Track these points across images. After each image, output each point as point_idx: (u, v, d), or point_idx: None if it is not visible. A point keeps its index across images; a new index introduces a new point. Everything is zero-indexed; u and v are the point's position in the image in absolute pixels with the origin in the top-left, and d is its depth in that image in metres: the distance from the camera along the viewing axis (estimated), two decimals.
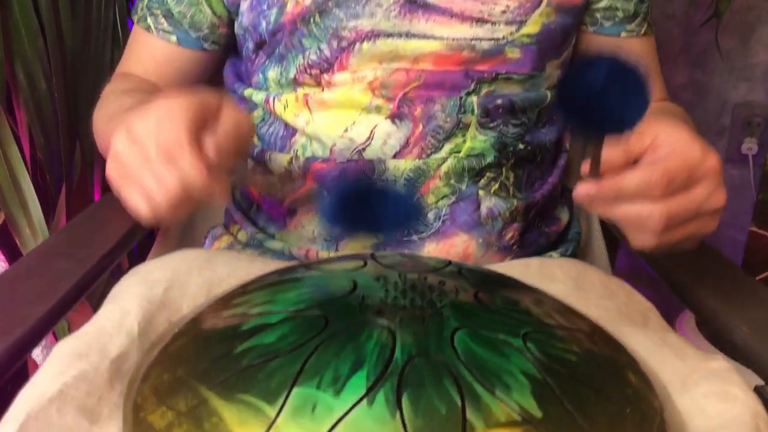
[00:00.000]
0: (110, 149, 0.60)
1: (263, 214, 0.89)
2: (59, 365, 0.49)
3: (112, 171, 0.61)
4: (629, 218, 0.60)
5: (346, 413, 0.41)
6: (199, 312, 0.55)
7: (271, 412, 0.42)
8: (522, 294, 0.54)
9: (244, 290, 0.55)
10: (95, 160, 1.37)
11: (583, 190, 0.60)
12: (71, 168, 1.35)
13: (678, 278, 0.78)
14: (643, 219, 0.59)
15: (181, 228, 1.03)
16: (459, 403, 0.42)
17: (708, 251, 0.79)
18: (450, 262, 0.58)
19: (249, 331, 0.48)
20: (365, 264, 0.56)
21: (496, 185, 0.83)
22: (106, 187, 0.79)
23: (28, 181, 1.24)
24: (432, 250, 0.79)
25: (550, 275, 0.67)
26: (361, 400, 0.42)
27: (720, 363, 0.54)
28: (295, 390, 0.43)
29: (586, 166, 0.58)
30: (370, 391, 0.42)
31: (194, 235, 1.02)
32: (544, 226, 0.90)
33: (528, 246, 0.86)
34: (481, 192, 0.82)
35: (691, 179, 0.60)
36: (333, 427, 0.41)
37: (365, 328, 0.46)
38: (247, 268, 0.66)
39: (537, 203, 0.87)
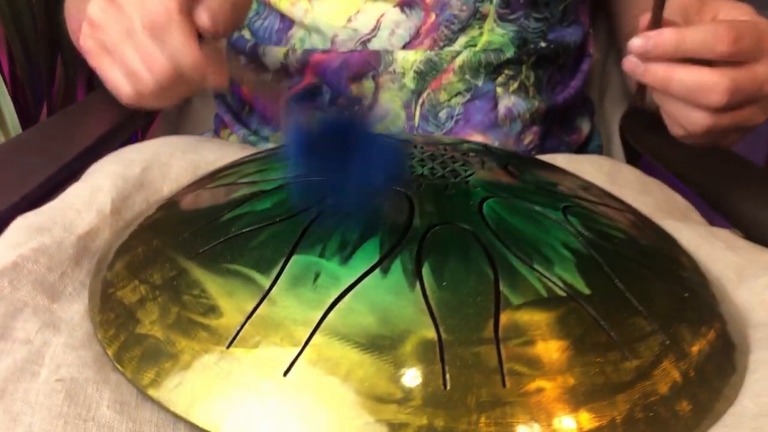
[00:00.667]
0: (86, 17, 0.52)
1: (256, 116, 0.81)
2: (16, 237, 0.42)
3: (87, 41, 0.52)
4: (688, 88, 0.52)
5: (355, 283, 0.34)
6: (181, 189, 0.48)
7: (265, 282, 0.35)
8: (557, 173, 0.47)
9: (234, 164, 0.48)
10: (78, 75, 1.28)
11: (639, 42, 0.52)
12: (52, 85, 1.27)
13: (710, 188, 0.71)
14: (706, 89, 0.51)
15: (167, 133, 0.95)
16: (491, 274, 0.35)
17: (731, 157, 0.72)
18: (469, 141, 0.51)
19: (239, 199, 0.41)
20: None
21: (516, 84, 0.75)
22: None
23: (8, 100, 1.15)
24: None
25: (581, 170, 0.60)
26: (373, 269, 0.35)
27: None
28: (294, 258, 0.36)
29: (645, 19, 0.50)
30: (385, 259, 0.35)
31: None
32: (564, 134, 0.82)
33: (547, 153, 0.79)
34: (499, 90, 0.74)
35: (759, 47, 0.51)
36: (339, 298, 0.34)
37: (377, 194, 0.39)
38: (239, 153, 0.58)
39: (558, 107, 0.79)
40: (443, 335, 0.32)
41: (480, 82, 0.73)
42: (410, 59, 0.72)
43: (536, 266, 0.36)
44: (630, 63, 0.52)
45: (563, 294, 0.35)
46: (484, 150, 0.47)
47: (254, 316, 0.34)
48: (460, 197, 0.39)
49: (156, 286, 0.37)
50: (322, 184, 0.40)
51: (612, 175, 0.60)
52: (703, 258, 0.48)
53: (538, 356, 0.32)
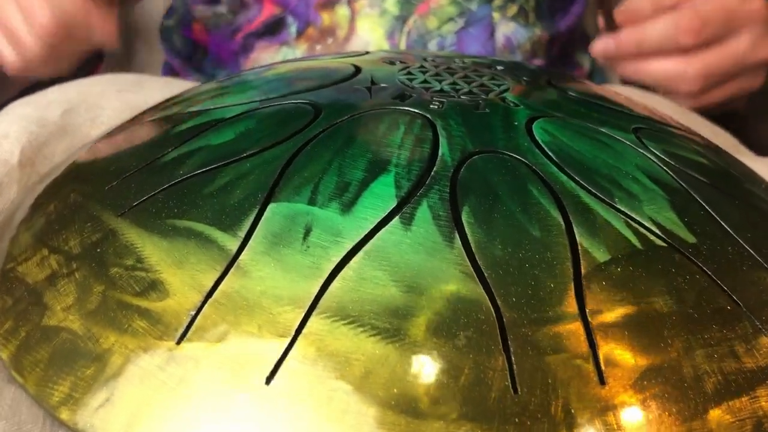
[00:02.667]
0: None
1: (211, 57, 0.68)
2: None
3: None
4: (658, 78, 0.52)
5: (366, 238, 0.23)
6: (112, 129, 0.36)
7: (230, 242, 0.23)
8: (608, 92, 0.36)
9: (181, 94, 0.36)
10: None
11: (599, 46, 0.54)
12: None
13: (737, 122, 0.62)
14: (675, 79, 0.51)
15: None
16: (561, 220, 0.24)
17: None
18: (487, 56, 0.40)
19: (188, 131, 0.29)
20: (367, 53, 0.37)
21: (515, 8, 0.64)
22: None
23: None
24: None
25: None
26: (390, 217, 0.24)
27: None
28: (271, 206, 0.24)
29: (601, 18, 0.50)
30: (405, 204, 0.24)
31: None
32: (566, 70, 0.72)
33: None
34: (495, 15, 0.63)
35: (729, 27, 0.50)
36: (344, 262, 0.22)
37: (384, 117, 0.28)
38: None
39: (561, 36, 0.68)
40: (504, 311, 0.22)
41: (474, 6, 0.62)
42: None
43: (620, 206, 0.25)
44: (597, 53, 0.54)
45: (663, 243, 0.24)
46: (515, 64, 0.36)
47: (216, 293, 0.22)
48: (499, 117, 0.28)
49: (72, 256, 0.25)
50: (304, 106, 0.29)
51: (648, 108, 0.50)
52: None
53: (646, 336, 0.22)
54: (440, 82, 0.31)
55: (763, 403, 0.22)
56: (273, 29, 0.64)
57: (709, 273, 0.24)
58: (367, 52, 0.37)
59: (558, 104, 0.30)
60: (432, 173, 0.25)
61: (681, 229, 0.25)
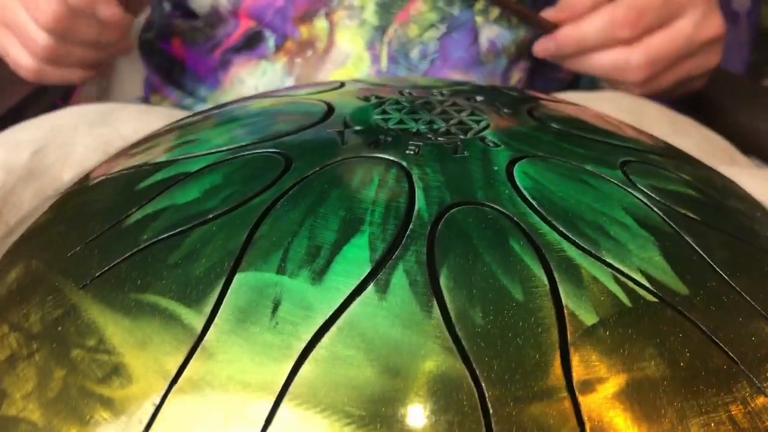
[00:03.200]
0: None
1: (189, 73, 0.67)
2: None
3: None
4: (604, 70, 0.53)
5: (338, 312, 0.22)
6: (80, 178, 0.34)
7: (195, 320, 0.22)
8: (594, 116, 0.34)
9: (152, 135, 0.34)
10: None
11: (539, 47, 0.56)
12: None
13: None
14: (621, 69, 0.52)
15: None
16: (544, 279, 0.23)
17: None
18: (470, 82, 0.38)
19: (151, 187, 0.28)
20: (342, 85, 0.35)
21: (497, 10, 0.62)
22: None
23: None
24: None
25: (598, 107, 0.48)
26: (364, 285, 0.22)
27: None
28: (238, 277, 0.23)
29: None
30: (380, 268, 0.23)
31: None
32: (552, 71, 0.71)
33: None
34: (478, 18, 0.61)
35: (669, 11, 0.50)
36: (315, 340, 0.21)
37: (357, 168, 0.27)
38: (164, 120, 0.45)
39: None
40: (486, 389, 0.20)
41: (455, 10, 0.60)
42: None
43: (607, 257, 0.24)
44: (540, 54, 0.56)
45: (653, 298, 0.23)
46: (494, 91, 0.34)
47: (181, 380, 0.21)
48: (478, 162, 0.27)
49: (33, 334, 0.24)
50: (274, 156, 0.27)
51: (637, 114, 0.49)
52: None
53: (635, 407, 0.21)
54: (416, 121, 0.29)
55: None
56: (251, 43, 0.62)
57: (704, 328, 0.23)
58: (342, 84, 0.35)
59: (539, 140, 0.29)
60: (408, 231, 0.24)
61: (672, 280, 0.24)
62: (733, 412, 0.21)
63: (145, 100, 0.72)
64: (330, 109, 0.31)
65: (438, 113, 0.30)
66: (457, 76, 0.61)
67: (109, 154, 0.41)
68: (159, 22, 0.68)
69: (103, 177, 0.30)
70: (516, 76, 0.64)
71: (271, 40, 0.61)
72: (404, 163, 0.26)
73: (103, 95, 0.81)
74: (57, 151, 0.41)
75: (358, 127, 0.29)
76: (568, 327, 0.22)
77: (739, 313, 0.24)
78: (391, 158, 0.27)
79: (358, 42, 0.59)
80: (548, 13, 0.57)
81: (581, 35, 0.52)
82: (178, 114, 0.48)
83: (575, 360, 0.21)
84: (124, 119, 0.46)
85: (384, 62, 0.60)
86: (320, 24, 0.59)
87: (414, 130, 0.29)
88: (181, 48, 0.67)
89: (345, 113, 0.30)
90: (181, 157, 0.29)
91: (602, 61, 0.52)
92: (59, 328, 0.24)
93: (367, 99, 0.32)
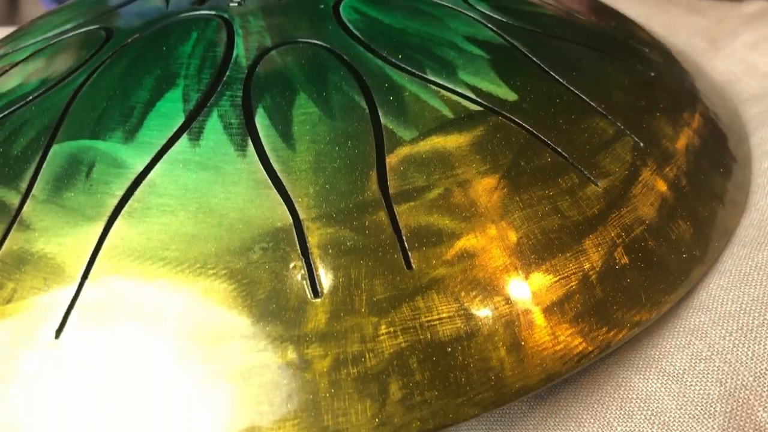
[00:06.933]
0: None
1: None
2: None
3: None
4: None
5: (151, 165, 0.21)
6: None
7: (12, 197, 0.22)
8: None
9: None
10: None
11: None
12: None
13: None
14: None
15: None
16: (363, 104, 0.22)
17: None
18: None
19: None
20: None
21: None
22: None
23: None
24: None
25: None
26: (177, 136, 0.22)
27: (756, 5, 0.36)
28: (54, 148, 0.22)
29: None
30: (194, 118, 0.22)
31: None
32: None
33: None
34: None
35: None
36: (128, 194, 0.21)
37: (177, 28, 0.26)
38: None
39: None
40: (301, 214, 0.20)
41: None
42: None
43: (431, 76, 0.23)
44: None
45: (477, 108, 0.23)
46: None
47: (1, 253, 0.21)
48: (304, 5, 0.26)
49: None
50: (97, 31, 0.26)
51: None
52: (660, 31, 0.36)
53: (456, 210, 0.21)
54: None
55: (591, 255, 0.21)
56: None
57: (531, 129, 0.22)
58: None
59: None
60: (224, 79, 0.23)
61: (500, 89, 0.23)
62: (558, 203, 0.21)
63: None
64: None
65: None
66: None
67: None
68: None
69: None
70: None
71: None
72: (226, 15, 0.26)
73: None
74: None
75: None
76: (386, 144, 0.21)
77: (573, 112, 0.24)
78: (213, 13, 0.26)
79: None
80: None
81: None
82: None
83: (392, 174, 0.21)
84: None
85: None
86: None
87: None
88: None
89: None
90: (10, 50, 0.28)
91: None
92: None
93: None
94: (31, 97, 0.24)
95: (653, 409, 0.20)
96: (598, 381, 0.21)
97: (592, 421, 0.20)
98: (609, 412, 0.20)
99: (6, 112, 0.24)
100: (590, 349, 0.20)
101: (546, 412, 0.21)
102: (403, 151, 0.21)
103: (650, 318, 0.21)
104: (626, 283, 0.21)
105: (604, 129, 0.24)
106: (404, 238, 0.20)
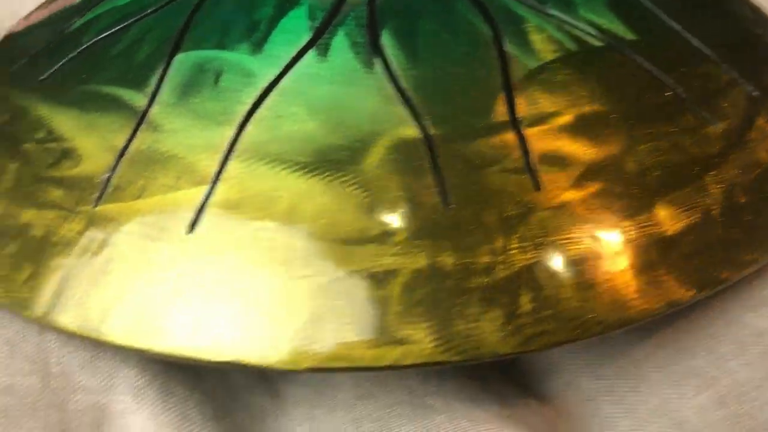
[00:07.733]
0: None
1: None
2: None
3: None
4: None
5: (281, 76, 0.22)
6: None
7: (139, 99, 0.22)
8: None
9: None
10: None
11: None
12: None
13: None
14: None
15: None
16: (488, 32, 0.23)
17: None
18: None
19: (90, 1, 0.27)
20: None
21: None
22: None
23: None
24: None
25: None
26: (304, 51, 0.22)
27: None
28: (178, 57, 0.23)
29: None
30: (321, 35, 0.22)
31: None
32: None
33: None
34: None
35: None
36: (258, 102, 0.21)
37: None
38: None
39: None
40: (430, 130, 0.20)
41: None
42: None
43: (553, 11, 0.23)
44: None
45: (599, 43, 0.23)
46: None
47: (129, 151, 0.21)
48: None
49: None
50: None
51: None
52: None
53: (582, 137, 0.21)
54: None
55: (712, 191, 0.21)
56: None
57: (650, 68, 0.23)
58: None
59: None
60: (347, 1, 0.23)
61: (620, 28, 0.23)
62: (680, 140, 0.21)
63: None
64: None
65: None
66: None
67: None
68: None
69: (41, 11, 0.30)
70: None
71: None
72: None
73: None
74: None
75: None
76: (512, 70, 0.22)
77: (688, 57, 0.24)
78: None
79: None
80: None
81: None
82: None
83: (519, 99, 0.21)
84: None
85: None
86: None
87: None
88: None
89: None
90: None
91: None
92: (9, 129, 0.24)
93: None
94: (150, 10, 0.25)
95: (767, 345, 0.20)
96: (710, 317, 0.21)
97: (704, 354, 0.21)
98: (722, 345, 0.21)
99: (125, 24, 0.25)
100: (708, 281, 0.20)
101: (655, 343, 0.21)
102: (530, 77, 0.22)
103: (765, 258, 0.21)
104: (744, 221, 0.21)
105: (718, 76, 0.24)
106: (533, 161, 0.20)
